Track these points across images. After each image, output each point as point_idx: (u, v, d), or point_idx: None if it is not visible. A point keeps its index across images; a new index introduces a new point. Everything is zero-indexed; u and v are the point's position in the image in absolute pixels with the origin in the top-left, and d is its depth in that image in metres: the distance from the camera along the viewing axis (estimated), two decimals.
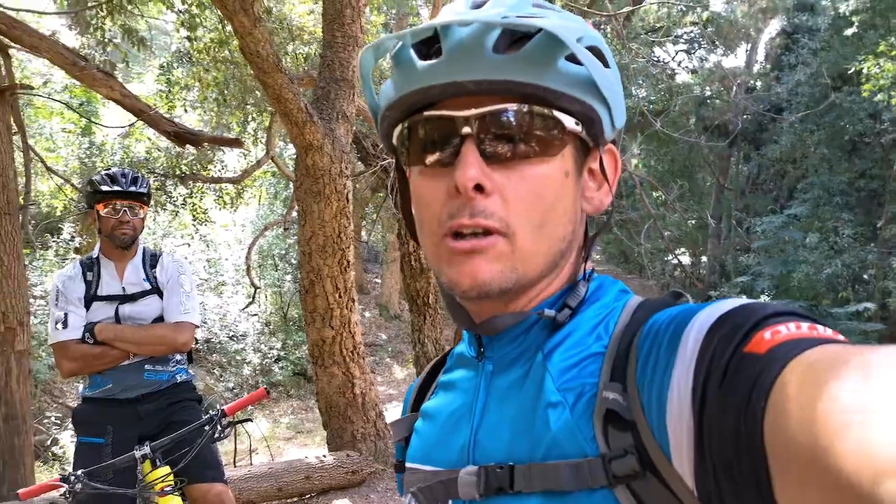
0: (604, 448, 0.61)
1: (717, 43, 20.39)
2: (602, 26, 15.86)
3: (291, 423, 11.69)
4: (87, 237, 11.33)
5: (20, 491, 2.33)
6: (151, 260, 3.06)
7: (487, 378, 0.76)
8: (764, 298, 15.12)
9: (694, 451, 0.53)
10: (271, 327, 14.36)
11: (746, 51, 21.61)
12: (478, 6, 0.71)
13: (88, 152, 12.59)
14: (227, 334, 13.19)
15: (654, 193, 17.50)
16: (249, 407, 2.72)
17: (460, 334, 0.85)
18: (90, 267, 2.98)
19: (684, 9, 18.29)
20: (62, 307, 2.87)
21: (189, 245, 13.39)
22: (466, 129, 0.66)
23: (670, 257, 17.60)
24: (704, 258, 22.23)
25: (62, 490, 2.34)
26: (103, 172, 2.99)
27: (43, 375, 9.94)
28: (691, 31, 20.72)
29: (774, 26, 20.43)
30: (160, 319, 2.98)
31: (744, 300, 0.58)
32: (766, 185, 20.52)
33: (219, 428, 2.55)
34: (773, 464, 0.45)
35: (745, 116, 18.56)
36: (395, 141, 0.75)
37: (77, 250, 11.97)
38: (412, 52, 0.69)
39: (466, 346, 0.82)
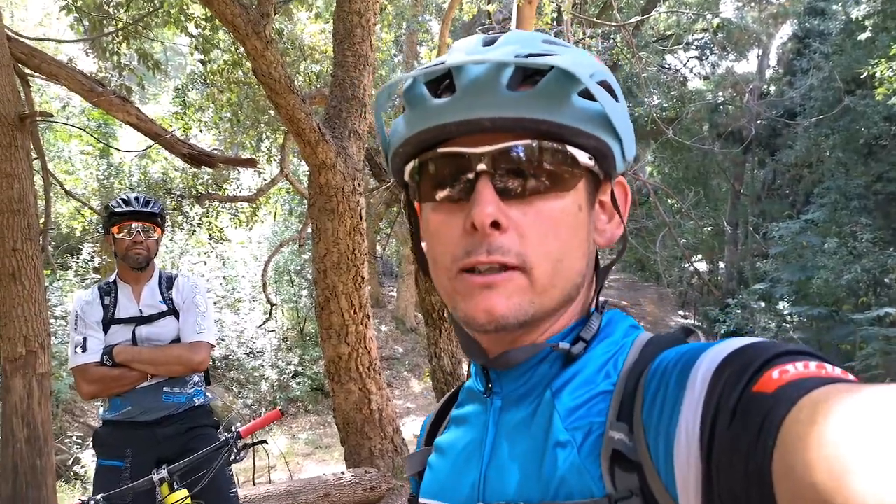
0: (610, 489, 0.60)
1: (728, 49, 20.35)
2: (611, 36, 15.89)
3: (310, 439, 11.71)
4: (106, 257, 11.46)
5: None
6: (167, 282, 3.11)
7: (496, 414, 0.76)
8: (783, 305, 15.01)
9: (702, 491, 0.53)
10: (288, 343, 14.40)
11: (758, 56, 21.55)
12: (489, 43, 0.72)
13: (107, 174, 12.76)
14: (244, 351, 13.25)
15: (669, 201, 17.45)
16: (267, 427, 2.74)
17: None
18: (108, 291, 3.04)
19: (694, 16, 18.29)
20: (81, 331, 2.93)
21: (206, 263, 13.50)
22: (482, 166, 0.66)
23: (687, 265, 17.52)
24: (722, 265, 22.08)
25: None
26: (118, 198, 3.07)
27: (64, 395, 10.04)
28: (702, 38, 20.70)
29: (786, 31, 20.37)
30: (177, 340, 3.03)
31: (751, 339, 0.58)
32: (782, 191, 20.37)
33: (234, 450, 2.59)
34: (782, 502, 0.45)
35: (758, 122, 18.47)
36: (407, 177, 0.75)
37: (97, 270, 12.11)
38: (424, 89, 0.69)
39: (474, 380, 0.82)
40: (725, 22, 18.95)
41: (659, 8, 17.54)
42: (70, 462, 9.46)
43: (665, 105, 19.63)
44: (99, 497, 2.39)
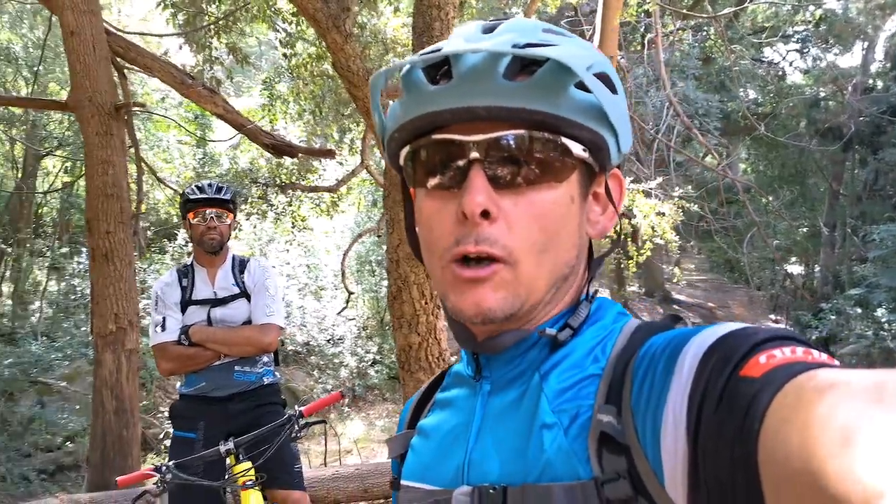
0: (597, 471, 0.61)
1: (830, 42, 19.38)
2: (704, 28, 15.42)
3: (386, 426, 11.92)
4: None
5: (119, 478, 2.56)
6: (240, 265, 3.27)
7: (484, 398, 0.76)
8: (881, 311, 14.23)
9: (688, 475, 0.53)
10: (368, 331, 14.66)
11: (863, 49, 20.42)
12: (489, 31, 0.73)
13: (201, 163, 13.32)
14: (325, 337, 13.57)
15: (762, 200, 16.82)
16: (331, 410, 2.84)
17: None
18: (185, 273, 3.21)
19: (794, 7, 17.51)
20: (161, 311, 3.12)
21: (288, 251, 13.89)
22: (475, 154, 0.67)
23: (779, 267, 16.86)
24: (817, 268, 21.10)
25: (155, 479, 2.54)
26: (193, 184, 3.24)
27: (157, 372, 10.57)
28: (803, 31, 19.78)
29: (894, 23, 19.23)
30: (249, 322, 3.18)
31: (739, 324, 0.58)
32: (885, 191, 19.25)
33: (296, 427, 2.70)
34: (767, 486, 0.46)
35: (860, 118, 17.53)
36: (401, 161, 0.75)
37: (190, 254, 12.67)
38: (422, 75, 0.70)
39: (464, 365, 0.82)
40: (828, 13, 18.06)
41: None
42: (161, 436, 9.97)
43: (760, 100, 18.90)
44: (171, 463, 2.55)
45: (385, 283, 15.15)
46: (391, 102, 0.78)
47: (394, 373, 14.00)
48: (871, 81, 19.47)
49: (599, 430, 0.62)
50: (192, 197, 3.15)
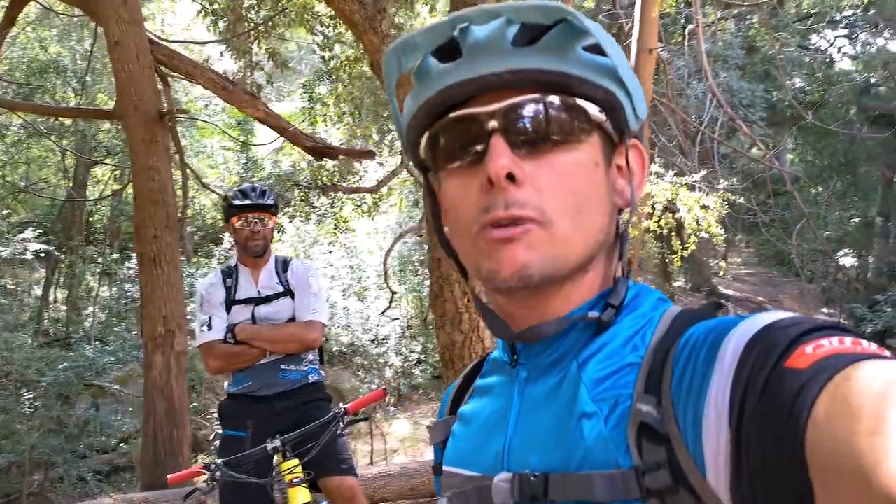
0: (637, 460, 0.60)
1: (881, 25, 18.81)
2: (747, 17, 15.10)
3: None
4: None
5: (169, 476, 2.62)
6: (283, 265, 3.31)
7: (522, 385, 0.75)
8: None
9: (731, 466, 0.53)
10: (412, 331, 14.70)
11: None
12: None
13: (245, 167, 13.53)
14: (369, 338, 13.66)
15: (811, 191, 16.40)
16: (377, 407, 2.87)
17: None
18: (229, 274, 3.26)
19: None
20: (207, 311, 3.17)
21: (332, 252, 14.02)
22: (493, 124, 0.67)
23: (830, 259, 16.43)
24: (871, 259, 20.51)
25: (204, 476, 2.59)
26: (236, 189, 3.28)
27: (207, 374, 10.78)
28: (851, 15, 19.24)
29: None
30: (293, 319, 3.21)
31: (783, 313, 0.57)
32: None
33: (341, 424, 2.73)
34: (816, 480, 0.45)
35: None
36: (422, 152, 0.75)
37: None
38: (431, 59, 0.70)
39: (500, 351, 0.82)
40: None
41: None
42: (212, 437, 10.15)
43: (807, 88, 18.44)
44: (219, 461, 2.60)
45: (427, 283, 15.18)
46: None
47: (438, 372, 14.00)
48: None
49: (639, 419, 0.61)
50: (236, 203, 3.19)
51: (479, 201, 0.68)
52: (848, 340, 0.51)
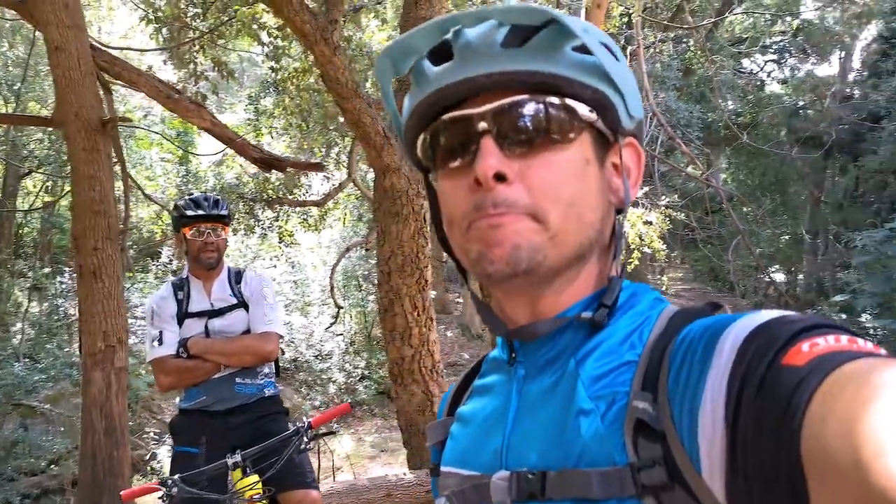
0: (633, 457, 0.60)
1: (808, 51, 19.66)
2: (684, 40, 15.58)
3: (375, 442, 11.84)
4: (181, 260, 11.89)
5: (123, 492, 2.49)
6: (236, 276, 3.24)
7: (520, 383, 0.76)
8: (866, 317, 14.35)
9: (726, 462, 0.53)
10: (355, 346, 14.61)
11: (840, 58, 20.73)
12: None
13: (185, 180, 13.24)
14: (313, 353, 13.51)
15: (744, 209, 16.96)
16: (334, 423, 2.81)
17: None
18: (180, 286, 3.17)
19: (772, 18, 17.76)
20: (157, 325, 3.06)
21: (276, 266, 13.83)
22: (483, 125, 0.67)
23: (762, 275, 16.97)
24: (800, 275, 21.29)
25: (160, 493, 2.48)
26: (187, 198, 3.20)
27: (143, 392, 10.45)
28: (781, 41, 20.06)
29: (871, 32, 19.53)
30: (248, 332, 3.14)
31: (780, 312, 0.57)
32: (866, 198, 19.48)
33: (305, 439, 2.67)
34: (811, 477, 0.45)
35: (840, 126, 17.76)
36: (419, 153, 0.76)
37: (174, 273, 12.56)
38: (426, 62, 0.71)
39: (499, 350, 0.83)
40: (805, 23, 18.33)
41: (734, 10, 17.12)
42: (147, 457, 9.84)
43: (740, 110, 19.11)
44: (176, 477, 2.50)
45: (372, 297, 15.14)
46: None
47: (382, 388, 13.94)
48: (848, 90, 19.76)
49: (635, 416, 0.61)
50: (188, 213, 3.10)
51: (470, 199, 0.69)
52: (844, 338, 0.51)
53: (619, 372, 0.66)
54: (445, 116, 0.71)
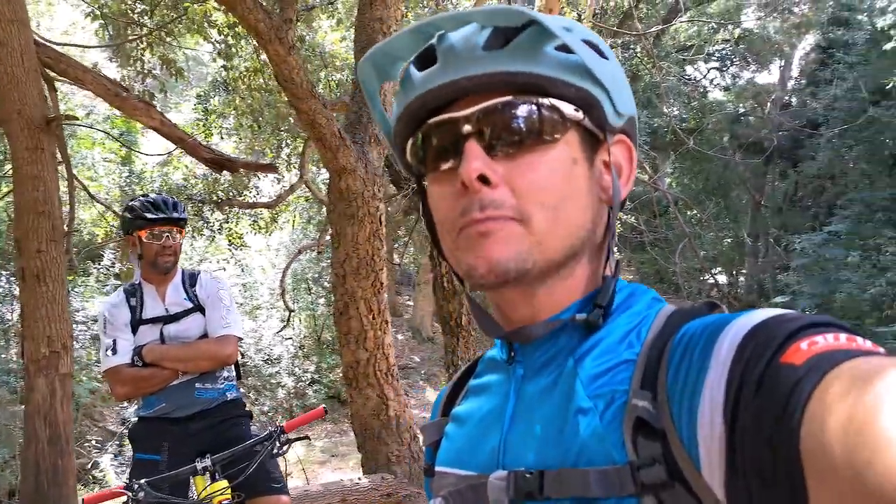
0: (632, 456, 0.60)
1: (749, 60, 20.24)
2: (632, 46, 15.85)
3: (325, 447, 11.73)
4: (126, 264, 11.57)
5: (85, 496, 2.40)
6: (190, 279, 3.14)
7: (518, 382, 0.75)
8: None
9: (725, 460, 0.53)
10: (305, 350, 14.46)
11: (780, 67, 21.42)
12: None
13: (128, 181, 12.90)
14: (261, 358, 13.32)
15: (688, 212, 17.34)
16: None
17: None
18: (133, 293, 3.07)
19: (715, 26, 18.22)
20: (110, 334, 2.96)
21: (225, 269, 13.59)
22: (467, 128, 0.68)
23: (706, 277, 17.38)
24: (742, 278, 21.88)
25: (124, 498, 2.41)
26: (142, 199, 3.08)
27: (84, 399, 10.13)
28: (723, 49, 20.61)
29: (809, 41, 20.23)
30: (205, 336, 3.06)
31: (779, 310, 0.57)
32: (804, 202, 20.17)
33: (277, 444, 2.61)
34: (810, 475, 0.45)
35: (780, 133, 18.32)
36: (409, 158, 0.76)
37: (117, 276, 12.22)
38: (412, 67, 0.72)
39: (498, 351, 0.82)
40: (747, 32, 18.86)
41: (680, 18, 17.51)
42: (89, 465, 9.54)
43: (685, 116, 19.55)
44: (142, 481, 2.42)
45: (322, 301, 15.00)
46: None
47: (332, 392, 13.82)
48: (788, 98, 20.42)
49: (635, 415, 0.61)
50: (147, 215, 2.99)
51: (458, 203, 0.69)
52: (843, 337, 0.51)
53: (618, 371, 0.66)
54: (431, 120, 0.71)
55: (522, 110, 0.67)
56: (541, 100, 0.68)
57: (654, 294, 0.76)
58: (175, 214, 3.03)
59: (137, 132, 13.20)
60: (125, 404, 10.57)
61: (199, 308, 3.08)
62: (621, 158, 0.76)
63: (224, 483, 2.56)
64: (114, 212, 9.62)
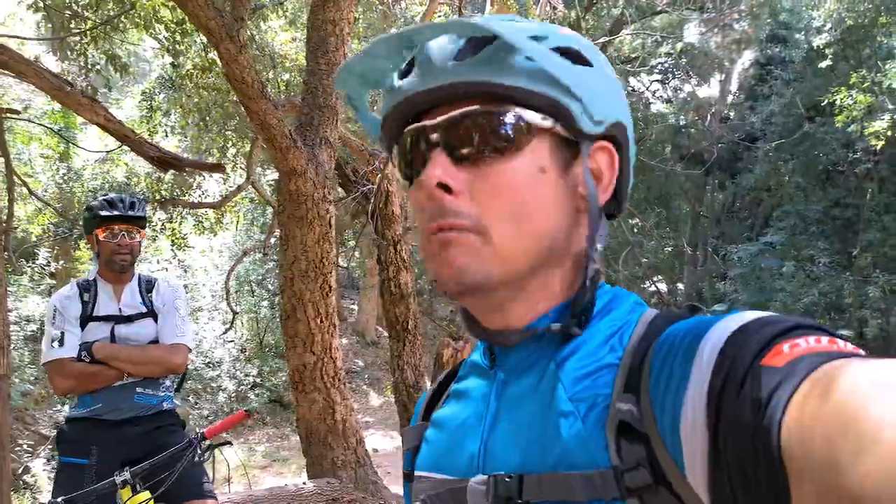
0: (616, 460, 0.60)
1: (691, 73, 20.76)
2: None
3: (267, 452, 11.56)
4: (64, 262, 11.21)
5: None
6: (147, 284, 3.11)
7: (500, 386, 0.75)
8: None
9: (708, 463, 0.53)
10: (247, 354, 14.23)
11: (720, 81, 22.05)
12: None
13: (66, 178, 12.50)
14: (202, 361, 13.06)
15: (630, 220, 17.67)
16: (224, 433, 2.72)
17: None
18: (87, 288, 3.00)
19: (659, 40, 18.63)
20: (59, 326, 2.88)
21: (167, 270, 13.29)
22: (434, 137, 0.69)
23: (647, 285, 17.73)
24: (681, 286, 22.38)
25: None
26: (102, 198, 3.04)
27: (15, 402, 9.78)
28: (666, 62, 21.09)
29: (748, 57, 20.87)
30: (155, 342, 3.01)
31: (762, 313, 0.58)
32: (742, 213, 20.79)
33: (198, 451, 2.56)
34: (792, 477, 0.46)
35: (720, 145, 18.85)
36: (396, 166, 0.77)
37: (52, 276, 11.84)
38: (394, 76, 0.73)
39: (480, 355, 0.82)
40: (689, 47, 19.34)
41: (625, 30, 17.87)
42: (20, 470, 9.21)
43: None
44: (60, 500, 2.33)
45: (265, 304, 14.78)
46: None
47: (275, 396, 13.63)
48: (727, 111, 21.03)
49: (618, 418, 0.61)
50: (102, 213, 2.94)
51: (426, 213, 0.70)
52: (825, 339, 0.52)
53: (600, 374, 0.66)
54: (406, 129, 0.72)
55: (485, 120, 0.68)
56: (503, 109, 0.68)
57: (637, 298, 0.76)
58: (131, 213, 2.98)
59: (77, 128, 12.79)
60: (59, 407, 10.26)
61: (153, 314, 3.04)
62: (602, 165, 0.75)
63: (146, 495, 2.49)
64: (54, 209, 9.32)
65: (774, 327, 0.54)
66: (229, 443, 2.80)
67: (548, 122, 0.69)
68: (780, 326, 0.54)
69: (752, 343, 0.53)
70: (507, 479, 0.65)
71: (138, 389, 2.94)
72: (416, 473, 0.81)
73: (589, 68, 0.71)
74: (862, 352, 0.52)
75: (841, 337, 0.54)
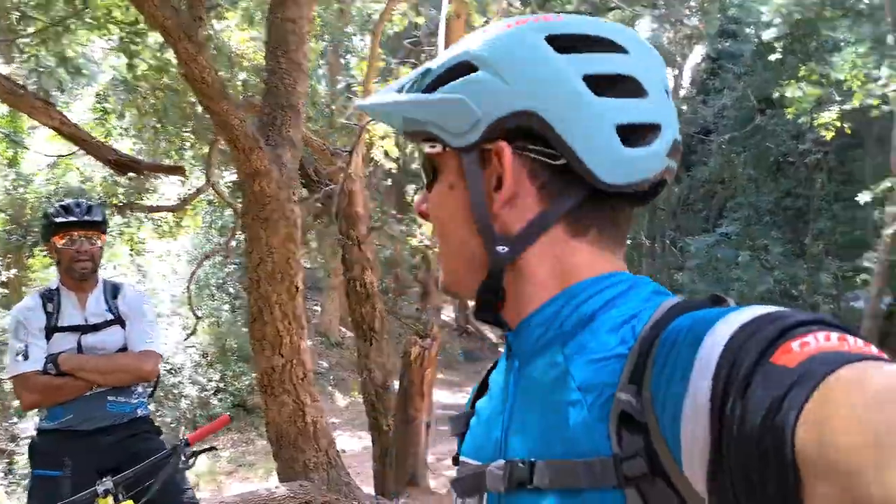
0: (616, 449, 0.61)
1: None
2: None
3: (232, 457, 11.42)
4: (17, 271, 10.90)
5: None
6: (112, 290, 3.03)
7: (516, 374, 0.78)
8: None
9: (710, 460, 0.52)
10: (209, 359, 14.02)
11: (673, 76, 22.39)
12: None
13: (14, 183, 12.15)
14: (163, 367, 12.81)
15: None
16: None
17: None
18: (50, 298, 2.92)
19: None
20: (23, 339, 2.81)
21: (125, 275, 13.01)
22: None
23: None
24: None
25: None
26: (58, 204, 2.98)
27: None
28: None
29: (699, 52, 21.26)
30: (123, 349, 2.94)
31: (767, 307, 0.57)
32: (697, 206, 21.18)
33: (182, 458, 2.52)
34: (806, 480, 0.45)
35: None
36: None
37: (4, 285, 11.49)
38: None
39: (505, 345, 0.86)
40: None
41: None
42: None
43: None
44: None
45: (226, 307, 14.58)
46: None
47: (238, 401, 13.44)
48: (680, 105, 21.37)
49: (620, 408, 0.62)
50: (57, 220, 2.86)
51: None
52: (834, 337, 0.51)
53: (609, 363, 0.66)
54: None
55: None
56: (421, 144, 0.79)
57: (657, 287, 0.75)
58: (88, 218, 2.90)
59: (24, 132, 12.44)
60: (15, 420, 9.99)
61: (119, 321, 2.97)
62: (498, 167, 0.72)
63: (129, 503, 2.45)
64: (7, 214, 9.05)
65: (782, 322, 0.53)
66: (214, 448, 2.77)
67: (437, 148, 0.76)
68: (788, 322, 0.53)
69: (759, 339, 0.52)
70: (520, 465, 0.68)
71: (110, 398, 2.89)
72: (461, 458, 0.85)
73: (454, 83, 0.72)
74: (873, 348, 0.51)
75: (850, 332, 0.53)
